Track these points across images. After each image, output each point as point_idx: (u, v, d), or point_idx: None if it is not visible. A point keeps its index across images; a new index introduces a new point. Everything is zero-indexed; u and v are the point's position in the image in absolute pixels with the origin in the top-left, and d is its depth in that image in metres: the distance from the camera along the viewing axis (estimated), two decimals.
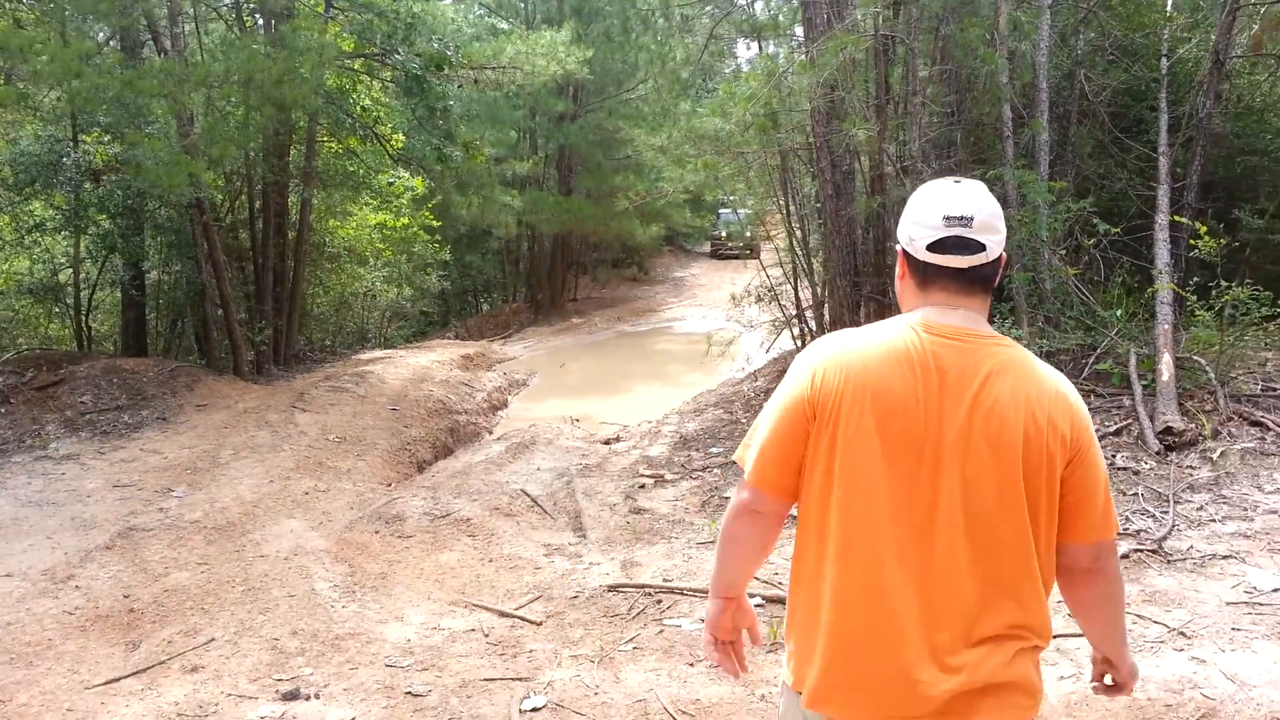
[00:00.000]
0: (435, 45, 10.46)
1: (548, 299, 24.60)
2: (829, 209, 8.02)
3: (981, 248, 1.74)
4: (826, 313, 8.73)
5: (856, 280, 8.19)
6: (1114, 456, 5.57)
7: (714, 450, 7.95)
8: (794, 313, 9.26)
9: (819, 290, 8.89)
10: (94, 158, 9.58)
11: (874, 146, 7.05)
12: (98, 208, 9.59)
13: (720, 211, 27.85)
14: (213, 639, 4.63)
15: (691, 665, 4.06)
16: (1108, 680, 1.98)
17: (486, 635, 4.63)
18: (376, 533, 6.44)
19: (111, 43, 9.29)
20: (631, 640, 4.37)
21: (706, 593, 4.74)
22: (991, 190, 1.84)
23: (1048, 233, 7.37)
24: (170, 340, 12.56)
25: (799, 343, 9.47)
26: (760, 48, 10.61)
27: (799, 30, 9.97)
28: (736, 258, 26.40)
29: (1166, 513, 4.70)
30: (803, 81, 6.81)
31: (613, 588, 5.05)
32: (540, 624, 4.72)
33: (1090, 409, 6.37)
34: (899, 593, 1.70)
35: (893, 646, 1.70)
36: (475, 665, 4.26)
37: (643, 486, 7.05)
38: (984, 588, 1.69)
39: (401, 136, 13.35)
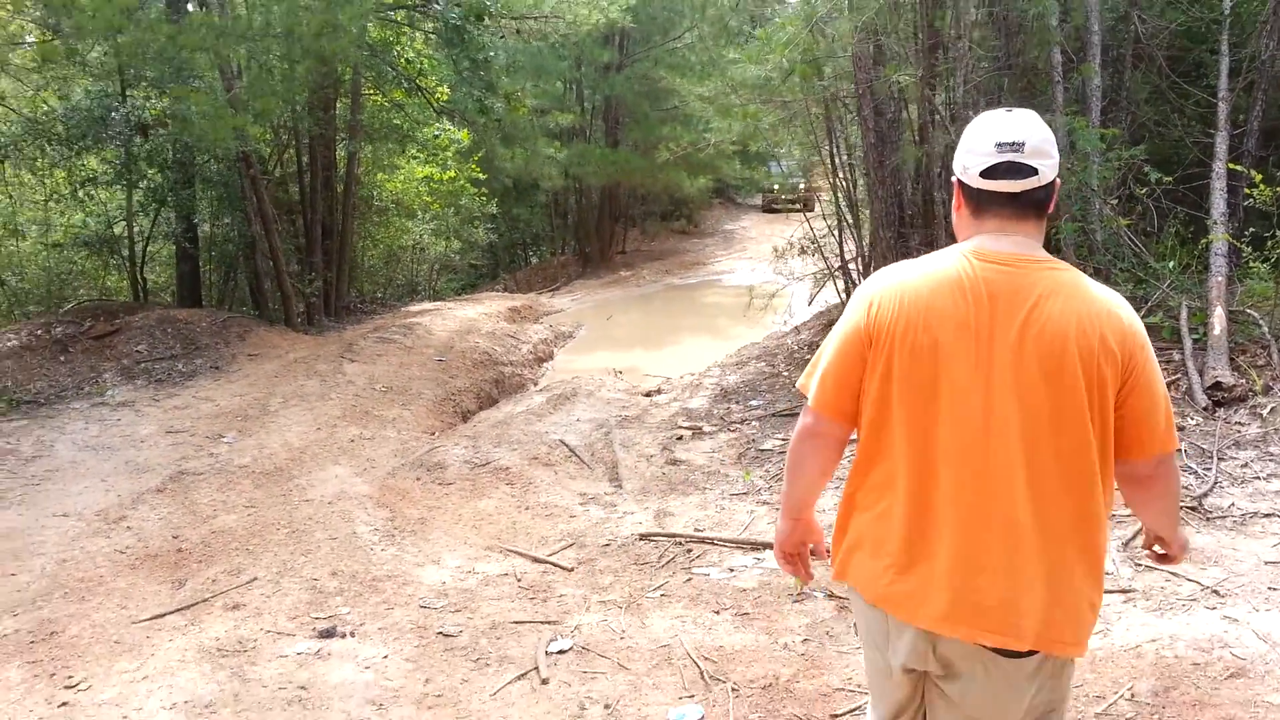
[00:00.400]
0: None
1: (595, 252, 24.58)
2: (872, 158, 7.87)
3: (1034, 171, 1.79)
4: (872, 265, 8.61)
5: (902, 232, 8.06)
6: None
7: (753, 404, 7.94)
8: (838, 265, 9.15)
9: (864, 243, 8.77)
10: (143, 112, 9.75)
11: (918, 93, 6.88)
12: (147, 161, 9.78)
13: (770, 164, 27.43)
14: (255, 578, 4.79)
15: (717, 613, 4.11)
16: (1158, 549, 2.08)
17: (519, 580, 4.72)
18: (418, 479, 6.57)
19: None
20: (660, 588, 4.43)
21: (736, 543, 4.80)
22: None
23: (1098, 181, 7.17)
24: (224, 292, 12.82)
25: (843, 296, 9.37)
26: None
27: None
28: (789, 211, 26.02)
29: (1210, 469, 4.60)
30: (842, 26, 6.64)
31: (644, 536, 5.10)
32: (572, 570, 4.80)
33: None
34: (963, 514, 1.79)
35: (977, 567, 1.78)
36: (506, 608, 4.35)
37: (680, 438, 7.08)
38: (1045, 505, 1.76)
39: (446, 89, 13.33)
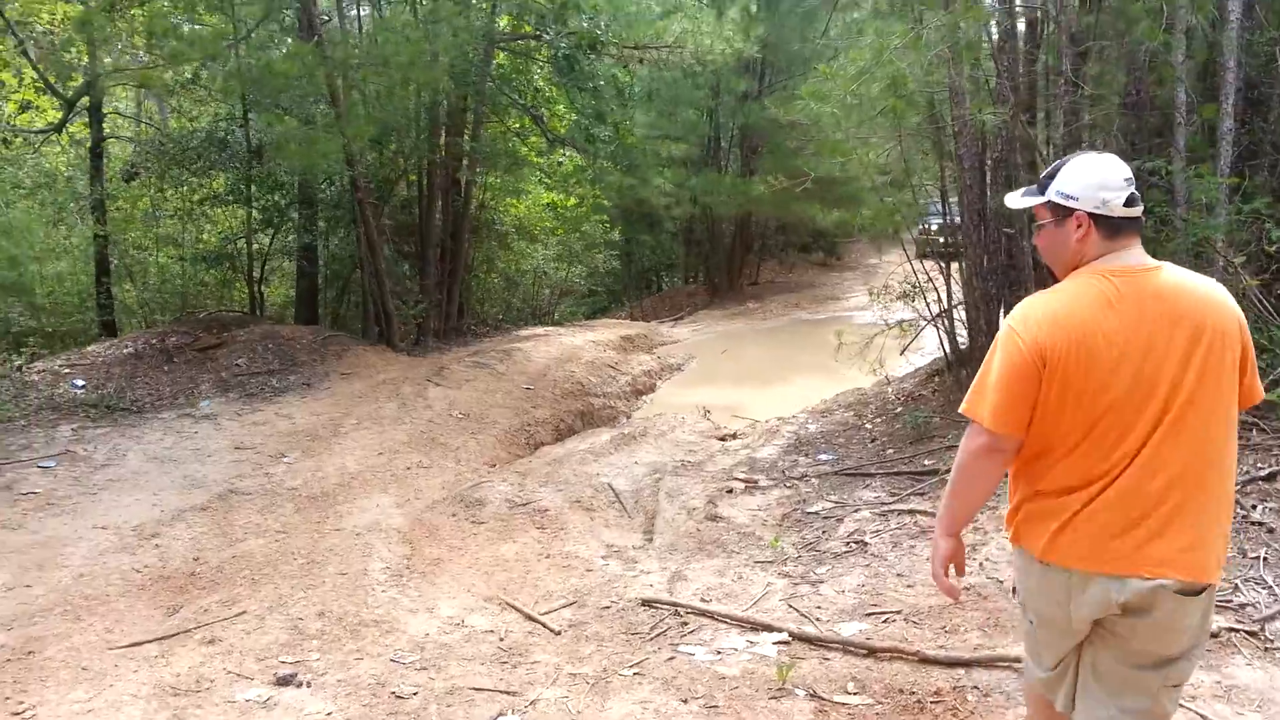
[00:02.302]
0: (586, 24, 10.34)
1: (725, 282, 24.24)
2: (967, 200, 7.26)
3: (1141, 199, 2.25)
4: (963, 313, 7.95)
5: (994, 283, 7.40)
6: (1254, 508, 4.69)
7: (822, 458, 7.45)
8: (937, 312, 8.51)
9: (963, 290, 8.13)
10: (262, 136, 10.17)
11: (1010, 132, 6.28)
12: (259, 184, 10.17)
13: (931, 206, 26.35)
14: (244, 612, 4.73)
15: (685, 702, 3.72)
16: None
17: (502, 639, 4.47)
18: (454, 515, 6.44)
19: (283, 23, 9.76)
20: (638, 665, 4.08)
21: (736, 620, 4.40)
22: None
23: (1224, 235, 6.37)
24: (338, 310, 13.22)
25: (945, 346, 8.69)
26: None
27: None
28: (943, 258, 24.78)
29: None
30: (914, 59, 6.12)
31: (646, 602, 4.76)
32: (559, 633, 4.51)
33: (1242, 446, 5.45)
34: (1156, 476, 2.14)
35: (1171, 520, 2.13)
36: (473, 671, 4.10)
37: (730, 491, 6.68)
38: (1218, 461, 2.16)
39: (571, 116, 13.38)
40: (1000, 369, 2.23)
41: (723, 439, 8.83)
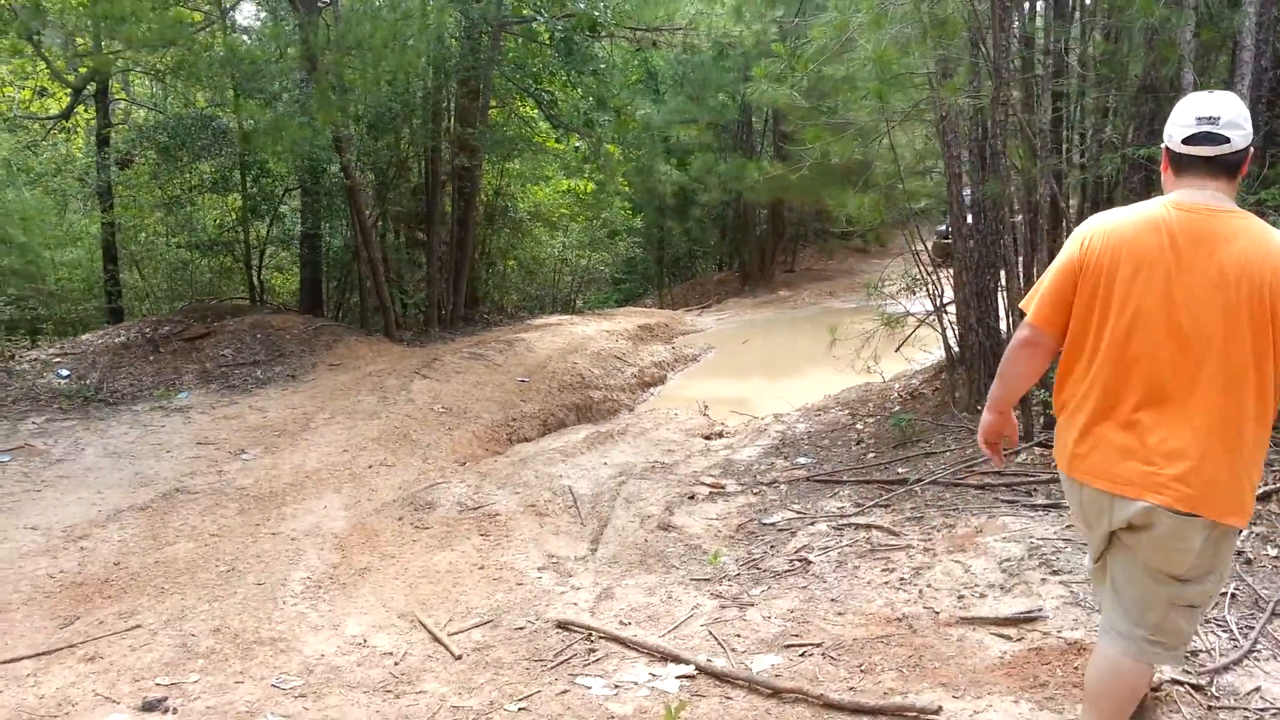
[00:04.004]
0: (583, 6, 9.95)
1: (757, 269, 23.71)
2: (952, 191, 6.76)
3: (1226, 140, 2.25)
4: (953, 311, 7.43)
5: (990, 277, 6.88)
6: (1239, 534, 4.19)
7: (800, 461, 7.03)
8: (930, 310, 8.00)
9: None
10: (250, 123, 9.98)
11: (991, 116, 5.76)
12: (243, 171, 9.99)
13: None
14: (139, 626, 4.49)
15: None
16: None
17: (397, 663, 4.17)
18: (399, 519, 6.16)
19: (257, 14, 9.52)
20: (527, 698, 3.74)
21: (648, 649, 4.04)
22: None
23: None
24: (340, 299, 13.06)
25: (943, 345, 8.15)
26: None
27: None
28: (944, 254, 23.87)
29: (1251, 629, 3.40)
30: (873, 38, 5.63)
31: (562, 624, 4.42)
32: (459, 658, 4.19)
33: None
34: (1150, 408, 2.28)
35: (1158, 448, 2.27)
36: (352, 701, 3.80)
37: (692, 497, 6.30)
38: (1210, 402, 2.23)
39: (574, 99, 13.00)
40: (1051, 269, 2.46)
41: (708, 438, 8.45)
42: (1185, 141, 2.28)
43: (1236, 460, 2.23)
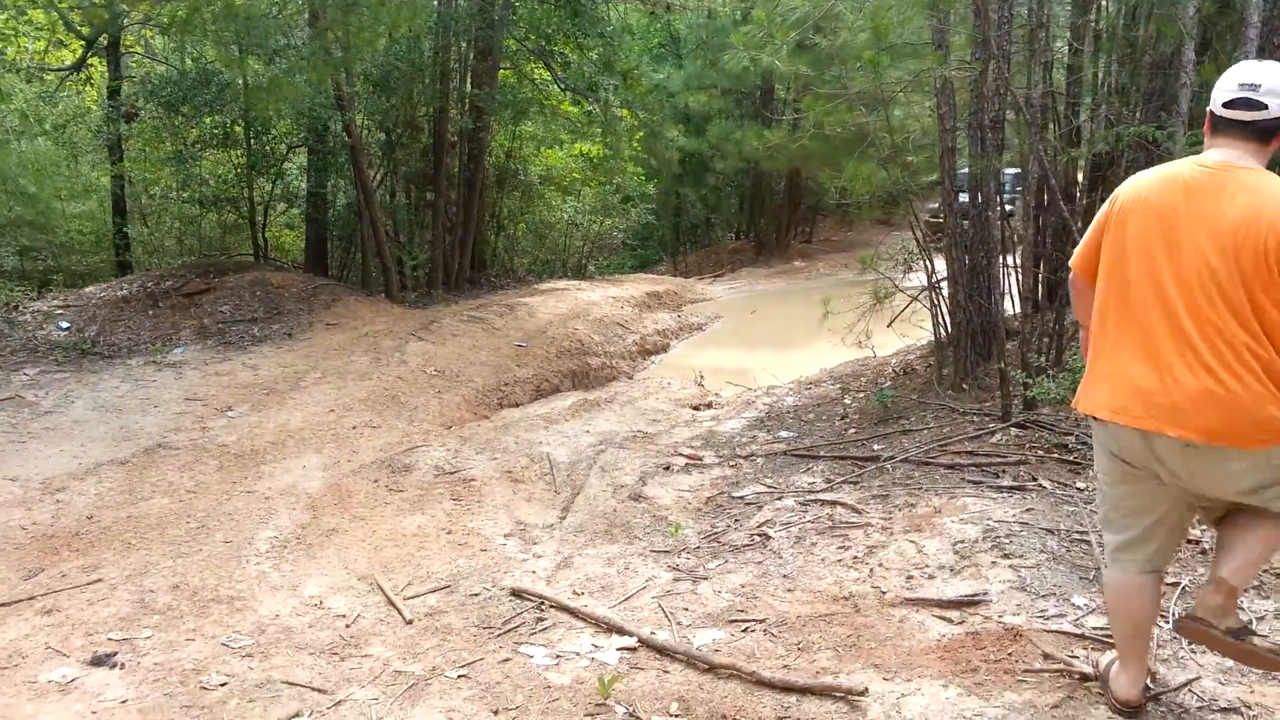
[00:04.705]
0: None
1: (773, 239, 23.51)
2: (945, 165, 6.63)
3: (1264, 106, 2.37)
4: (945, 289, 7.32)
5: (983, 254, 6.77)
6: None
7: (782, 434, 7.00)
8: (922, 287, 7.88)
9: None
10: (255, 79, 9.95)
11: (980, 88, 5.63)
12: (244, 128, 9.98)
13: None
14: (100, 580, 4.55)
15: (495, 714, 3.40)
16: None
17: (349, 625, 4.20)
18: (375, 481, 6.20)
19: None
20: (469, 665, 3.76)
21: (596, 620, 4.04)
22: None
23: None
24: (346, 258, 13.08)
25: (936, 317, 8.02)
26: None
27: None
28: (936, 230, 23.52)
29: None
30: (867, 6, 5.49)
31: (515, 592, 4.43)
32: (410, 623, 4.21)
33: None
34: (1163, 336, 2.41)
35: (1165, 385, 2.40)
36: (297, 662, 3.84)
37: (668, 468, 6.29)
38: (1209, 343, 2.34)
39: (582, 60, 12.85)
40: (1093, 220, 2.65)
41: (696, 409, 8.43)
42: (1225, 105, 2.41)
43: (1253, 401, 2.30)
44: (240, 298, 10.20)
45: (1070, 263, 2.75)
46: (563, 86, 12.82)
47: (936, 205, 18.86)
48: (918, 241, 8.62)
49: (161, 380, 8.05)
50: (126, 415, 7.18)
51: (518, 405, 9.11)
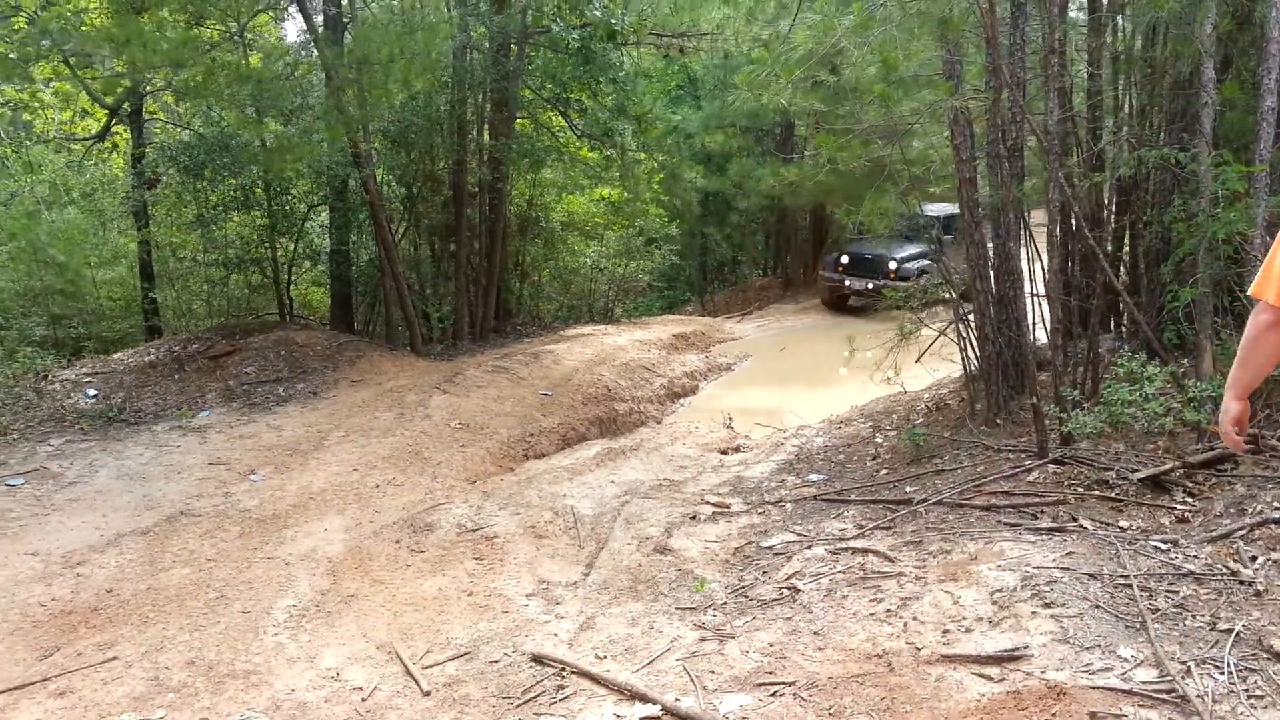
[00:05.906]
0: (599, 14, 9.85)
1: (799, 274, 23.37)
2: (965, 196, 6.48)
3: None
4: (972, 320, 7.13)
5: (1009, 285, 6.59)
6: (1254, 560, 3.90)
7: (811, 478, 6.82)
8: (948, 321, 7.71)
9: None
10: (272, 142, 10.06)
11: (994, 118, 5.49)
12: (265, 190, 10.07)
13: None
14: (116, 658, 4.46)
15: None
16: None
17: (365, 699, 4.07)
18: (396, 542, 6.09)
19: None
20: None
21: (618, 687, 3.89)
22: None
23: (1263, 232, 5.48)
24: (370, 314, 13.11)
25: (964, 351, 7.82)
26: None
27: None
28: None
29: (1253, 670, 3.12)
30: (857, 41, 5.40)
31: (536, 658, 4.29)
32: (427, 694, 4.08)
33: (1264, 479, 4.61)
34: None
35: None
36: None
37: (694, 518, 6.13)
38: None
39: (598, 107, 12.89)
40: (1275, 249, 2.47)
41: (724, 453, 8.26)
42: None
43: None
44: (265, 358, 10.22)
45: (1263, 298, 2.49)
46: (579, 133, 12.85)
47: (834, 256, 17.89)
48: (944, 275, 8.48)
49: (186, 445, 8.04)
50: (150, 483, 7.15)
51: (543, 456, 8.99)
